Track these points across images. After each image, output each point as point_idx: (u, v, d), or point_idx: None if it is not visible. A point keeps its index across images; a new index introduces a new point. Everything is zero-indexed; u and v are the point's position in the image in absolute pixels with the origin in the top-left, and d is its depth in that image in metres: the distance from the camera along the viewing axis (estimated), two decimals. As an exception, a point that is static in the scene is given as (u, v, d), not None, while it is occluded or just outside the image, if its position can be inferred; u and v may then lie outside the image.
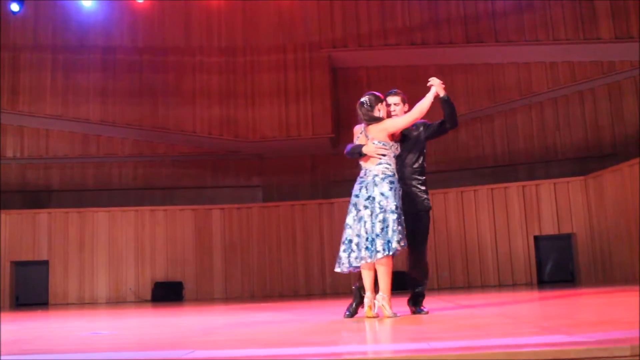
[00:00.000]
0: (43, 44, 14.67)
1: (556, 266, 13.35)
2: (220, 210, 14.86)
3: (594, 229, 12.85)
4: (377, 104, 5.57)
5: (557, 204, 13.38)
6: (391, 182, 5.33)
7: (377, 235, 5.22)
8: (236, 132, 14.79)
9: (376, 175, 5.36)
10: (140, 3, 14.67)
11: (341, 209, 14.68)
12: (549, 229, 13.38)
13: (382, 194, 5.28)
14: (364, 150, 5.44)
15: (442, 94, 5.71)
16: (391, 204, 5.25)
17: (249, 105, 14.79)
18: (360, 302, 5.59)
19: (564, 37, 13.59)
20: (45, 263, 14.12)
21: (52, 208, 14.76)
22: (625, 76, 13.92)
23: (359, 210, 5.38)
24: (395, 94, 5.93)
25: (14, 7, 13.62)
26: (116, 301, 14.05)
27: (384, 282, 5.24)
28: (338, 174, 15.72)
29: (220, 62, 14.99)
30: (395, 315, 5.21)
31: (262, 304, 10.00)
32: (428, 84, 5.73)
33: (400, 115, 5.77)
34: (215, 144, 15.38)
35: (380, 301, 5.21)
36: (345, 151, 5.66)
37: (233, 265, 14.57)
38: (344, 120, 15.16)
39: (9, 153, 15.03)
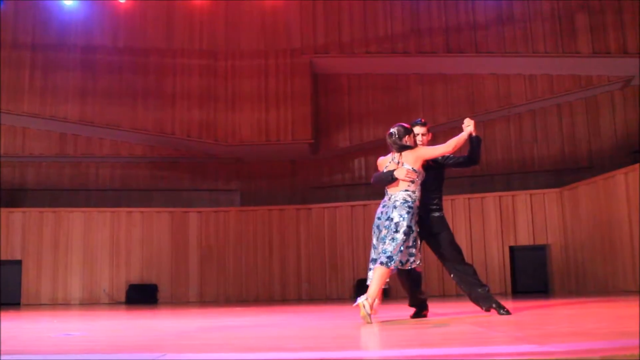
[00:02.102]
0: (23, 41, 14.53)
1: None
2: (198, 213, 14.81)
3: (568, 241, 12.98)
4: (405, 136, 5.90)
5: (532, 215, 13.50)
6: (409, 207, 5.64)
7: (384, 251, 5.54)
8: (215, 135, 14.75)
9: (397, 200, 5.67)
10: (122, 3, 14.60)
11: (319, 215, 14.72)
12: (525, 239, 13.50)
13: (400, 215, 5.58)
14: (396, 174, 5.71)
15: (474, 133, 6.08)
16: (405, 225, 5.55)
17: (229, 109, 14.77)
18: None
19: (544, 50, 13.74)
20: (18, 263, 13.96)
21: (27, 207, 14.61)
22: (602, 90, 14.12)
23: (381, 231, 5.69)
24: (422, 124, 6.26)
25: (-6, 3, 13.49)
26: (90, 302, 13.92)
27: (373, 287, 5.45)
28: (316, 180, 15.76)
29: (201, 64, 14.96)
30: (369, 317, 5.27)
31: (237, 308, 9.97)
32: (464, 125, 6.04)
33: (425, 144, 6.11)
34: (194, 146, 15.33)
35: (362, 300, 5.33)
36: (372, 180, 5.98)
37: (209, 269, 14.51)
38: (323, 126, 15.21)
39: (-15, 150, 14.85)
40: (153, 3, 14.89)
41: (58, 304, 13.81)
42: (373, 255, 5.72)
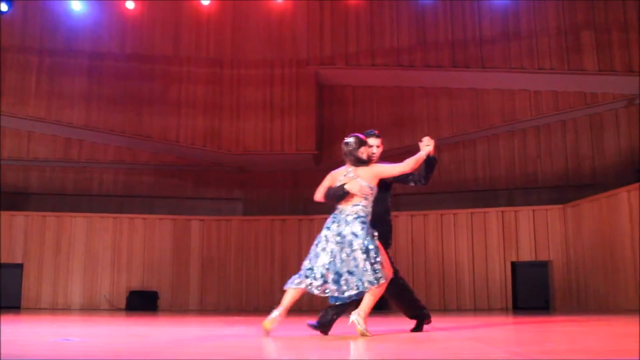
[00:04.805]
0: (30, 45, 14.59)
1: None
2: (200, 221, 14.81)
3: (570, 258, 12.95)
4: (361, 147, 5.69)
5: (535, 231, 13.47)
6: (363, 222, 5.44)
7: (350, 273, 5.33)
8: (219, 143, 14.78)
9: (349, 215, 5.48)
10: (130, 10, 14.67)
11: (321, 226, 14.61)
12: (526, 255, 13.47)
13: (353, 233, 5.38)
14: (348, 187, 5.53)
15: (432, 153, 5.85)
16: (361, 243, 5.34)
17: (234, 118, 14.80)
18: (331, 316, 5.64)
19: (549, 66, 13.76)
20: (19, 266, 13.96)
21: (30, 211, 14.62)
22: (607, 108, 14.11)
23: (328, 242, 5.46)
24: (377, 136, 6.06)
25: (3, 6, 13.56)
26: (90, 308, 13.91)
27: (366, 303, 5.30)
28: (319, 191, 15.73)
29: (207, 73, 15.01)
30: (367, 331, 5.22)
31: (237, 318, 9.95)
32: (422, 144, 5.81)
33: (378, 156, 5.97)
34: (198, 154, 15.36)
35: (356, 317, 5.22)
36: (325, 194, 5.74)
37: (210, 277, 14.50)
38: (327, 137, 15.22)
39: (-11, 154, 14.89)
40: (161, 10, 14.96)
41: (58, 308, 13.80)
42: (311, 265, 5.46)
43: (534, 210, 13.62)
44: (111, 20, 14.93)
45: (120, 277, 14.29)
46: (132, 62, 14.90)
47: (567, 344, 4.65)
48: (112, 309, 13.82)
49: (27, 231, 14.17)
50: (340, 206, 5.58)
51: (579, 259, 12.68)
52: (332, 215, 5.61)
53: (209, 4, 14.73)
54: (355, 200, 5.52)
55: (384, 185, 5.92)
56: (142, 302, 13.84)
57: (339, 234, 5.42)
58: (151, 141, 14.81)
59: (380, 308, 13.49)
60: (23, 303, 13.81)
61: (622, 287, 11.19)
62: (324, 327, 5.64)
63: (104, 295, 14.09)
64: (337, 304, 5.61)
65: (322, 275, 5.40)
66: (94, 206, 15.22)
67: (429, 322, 6.15)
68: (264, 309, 14.22)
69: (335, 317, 5.67)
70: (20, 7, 14.37)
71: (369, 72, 14.94)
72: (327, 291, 5.42)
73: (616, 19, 13.35)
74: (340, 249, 5.39)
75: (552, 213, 13.43)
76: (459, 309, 13.41)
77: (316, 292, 5.44)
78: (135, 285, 14.25)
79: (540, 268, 13.39)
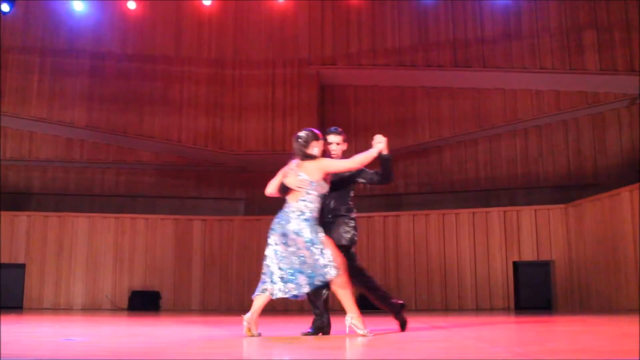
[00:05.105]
0: (32, 46, 14.61)
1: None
2: (202, 221, 14.81)
3: (572, 257, 12.94)
4: (312, 141, 5.58)
5: (537, 231, 13.47)
6: (306, 220, 5.35)
7: (301, 272, 5.33)
8: (221, 143, 14.78)
9: (293, 211, 5.41)
10: (132, 10, 14.68)
11: (323, 226, 14.70)
12: (528, 255, 13.47)
13: (295, 232, 5.33)
14: (287, 181, 5.49)
15: (385, 152, 5.74)
16: (304, 240, 5.29)
17: (236, 118, 14.81)
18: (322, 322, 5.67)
19: (551, 66, 13.75)
20: (21, 266, 13.97)
21: (32, 211, 14.64)
22: (609, 108, 14.10)
23: (277, 244, 5.46)
24: (337, 132, 5.95)
25: (4, 7, 13.56)
26: (92, 308, 13.92)
27: (345, 303, 5.30)
28: (321, 191, 15.73)
29: (209, 73, 15.02)
30: (367, 334, 5.21)
31: (239, 318, 9.95)
32: (374, 142, 5.73)
33: (339, 153, 5.85)
34: (199, 154, 15.37)
35: (351, 321, 5.24)
36: (273, 189, 5.68)
37: (212, 277, 14.50)
38: (329, 137, 15.19)
39: (-9, 154, 14.91)
40: (162, 11, 14.98)
41: (60, 308, 13.81)
42: (266, 271, 5.53)
43: (535, 210, 13.61)
44: (113, 21, 14.94)
45: (123, 277, 14.30)
46: (134, 62, 14.92)
47: (569, 343, 4.65)
48: (115, 309, 13.83)
49: (29, 231, 14.18)
50: (288, 199, 5.53)
51: (580, 258, 12.68)
52: (278, 213, 5.55)
53: (211, 4, 14.74)
54: (300, 195, 5.44)
55: (342, 182, 5.82)
56: (144, 302, 13.86)
57: (283, 234, 5.39)
58: (153, 141, 14.82)
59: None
60: (25, 303, 13.83)
61: (624, 286, 11.19)
62: (321, 329, 5.64)
63: (107, 296, 14.11)
64: (315, 299, 5.61)
65: (281, 278, 5.42)
66: (96, 206, 15.23)
67: (402, 309, 5.98)
68: (266, 309, 14.24)
69: (325, 315, 5.67)
70: (22, 8, 14.38)
71: (371, 72, 14.95)
72: (287, 292, 5.41)
73: (618, 18, 13.34)
74: (285, 248, 5.38)
75: (554, 213, 13.43)
76: (461, 309, 13.41)
77: (281, 294, 5.44)
78: (138, 285, 14.26)
79: (542, 268, 13.39)
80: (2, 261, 13.87)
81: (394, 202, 15.18)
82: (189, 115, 14.85)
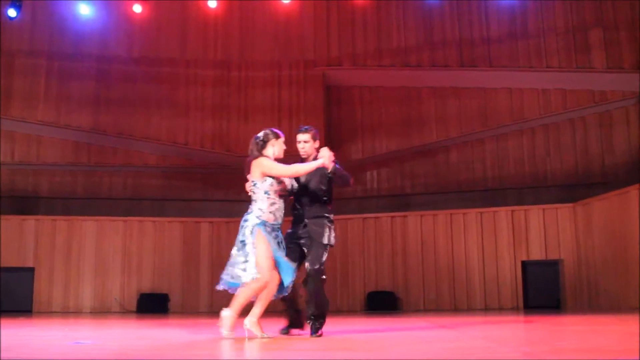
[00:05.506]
0: (39, 50, 14.66)
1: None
2: (209, 223, 14.83)
3: (581, 256, 12.89)
4: (271, 139, 5.69)
5: (545, 230, 13.43)
6: (257, 219, 5.51)
7: (230, 265, 5.70)
8: (228, 145, 14.80)
9: (246, 215, 5.62)
10: (137, 13, 14.71)
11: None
12: (537, 254, 13.42)
13: (241, 241, 5.54)
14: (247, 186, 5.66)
15: (329, 169, 5.73)
16: (240, 239, 5.56)
17: (242, 120, 14.82)
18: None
19: (557, 64, 13.71)
20: (30, 270, 14.02)
21: (40, 215, 14.69)
22: (616, 106, 14.05)
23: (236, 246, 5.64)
24: (306, 131, 6.00)
25: (11, 12, 13.63)
26: (101, 311, 13.95)
27: (238, 300, 5.62)
28: (328, 192, 15.71)
29: (214, 75, 15.04)
30: (264, 336, 5.40)
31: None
32: (319, 155, 5.74)
33: (309, 152, 5.91)
34: (206, 157, 15.39)
35: (247, 323, 5.47)
36: None
37: (219, 279, 14.47)
38: (335, 138, 15.23)
39: (-1, 158, 14.95)
40: (168, 13, 15.01)
41: (69, 311, 13.85)
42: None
43: (544, 209, 13.56)
44: (119, 24, 14.98)
45: (131, 280, 14.32)
46: (140, 65, 14.95)
47: (578, 343, 4.63)
48: (123, 312, 13.86)
49: (38, 235, 14.23)
50: None
51: (589, 257, 12.63)
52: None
53: (216, 6, 14.76)
54: (252, 196, 5.61)
55: (323, 181, 5.87)
56: (153, 305, 13.88)
57: (238, 240, 5.60)
58: (160, 144, 14.85)
59: (391, 308, 13.51)
60: (35, 307, 13.86)
61: (633, 285, 11.13)
62: (296, 325, 5.95)
63: (115, 298, 14.13)
64: (284, 297, 5.82)
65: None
66: (104, 209, 15.26)
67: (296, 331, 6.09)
68: (274, 310, 14.25)
69: (295, 308, 6.01)
70: (29, 12, 14.43)
71: (376, 73, 14.94)
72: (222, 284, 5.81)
73: (624, 16, 13.30)
74: (237, 249, 5.61)
75: (562, 212, 13.38)
76: (470, 309, 13.38)
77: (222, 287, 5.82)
78: (146, 287, 14.28)
79: (550, 267, 13.35)
80: (11, 265, 13.92)
81: (402, 202, 15.16)
82: (195, 118, 14.87)
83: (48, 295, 14.00)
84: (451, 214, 14.10)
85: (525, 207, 13.84)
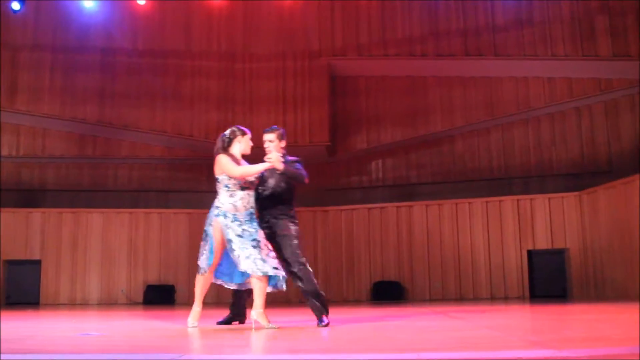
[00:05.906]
0: (43, 43, 14.68)
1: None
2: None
3: (587, 245, 12.88)
4: (237, 137, 6.02)
5: (551, 219, 13.41)
6: (212, 217, 5.98)
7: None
8: (233, 137, 14.77)
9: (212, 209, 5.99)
10: (142, 5, 14.71)
11: (336, 217, 14.73)
12: (543, 243, 13.42)
13: (205, 231, 6.02)
14: None
15: (279, 169, 5.97)
16: (208, 238, 5.96)
17: (247, 111, 14.81)
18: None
19: (563, 53, 13.65)
20: (37, 262, 14.09)
21: (46, 208, 14.74)
22: (622, 94, 13.98)
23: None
24: (272, 131, 6.23)
25: (15, 5, 13.64)
26: (108, 303, 14.02)
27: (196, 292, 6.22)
28: (333, 182, 15.75)
29: (219, 67, 15.03)
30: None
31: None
32: (266, 158, 5.91)
33: (274, 151, 6.09)
34: (212, 148, 15.30)
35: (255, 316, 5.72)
36: None
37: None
38: (341, 128, 15.22)
39: (5, 151, 14.99)
40: (172, 5, 14.99)
41: (76, 304, 13.92)
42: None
43: (549, 198, 13.55)
44: (123, 16, 14.98)
45: (137, 272, 14.38)
46: (145, 58, 14.95)
47: (585, 331, 4.64)
48: (130, 304, 13.92)
49: (44, 227, 14.29)
50: None
51: (595, 246, 12.62)
52: None
53: (220, -2, 14.73)
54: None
55: (282, 180, 6.16)
56: (160, 296, 13.94)
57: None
58: (165, 136, 14.87)
59: (396, 298, 13.53)
60: (42, 299, 13.94)
61: (639, 273, 11.11)
62: (238, 316, 6.40)
63: (122, 290, 14.19)
64: (234, 291, 6.43)
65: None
66: (110, 201, 15.31)
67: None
68: (280, 300, 14.28)
69: (239, 301, 6.44)
70: (33, 6, 14.44)
71: (382, 62, 14.90)
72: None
73: (630, 3, 13.21)
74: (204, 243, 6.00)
75: (568, 200, 13.36)
76: (476, 298, 13.40)
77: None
78: (152, 279, 14.34)
79: (556, 256, 13.35)
80: (19, 257, 14.00)
81: (407, 192, 15.16)
82: (200, 110, 14.88)
83: (55, 287, 14.07)
84: (457, 203, 14.10)
85: (531, 196, 13.82)
